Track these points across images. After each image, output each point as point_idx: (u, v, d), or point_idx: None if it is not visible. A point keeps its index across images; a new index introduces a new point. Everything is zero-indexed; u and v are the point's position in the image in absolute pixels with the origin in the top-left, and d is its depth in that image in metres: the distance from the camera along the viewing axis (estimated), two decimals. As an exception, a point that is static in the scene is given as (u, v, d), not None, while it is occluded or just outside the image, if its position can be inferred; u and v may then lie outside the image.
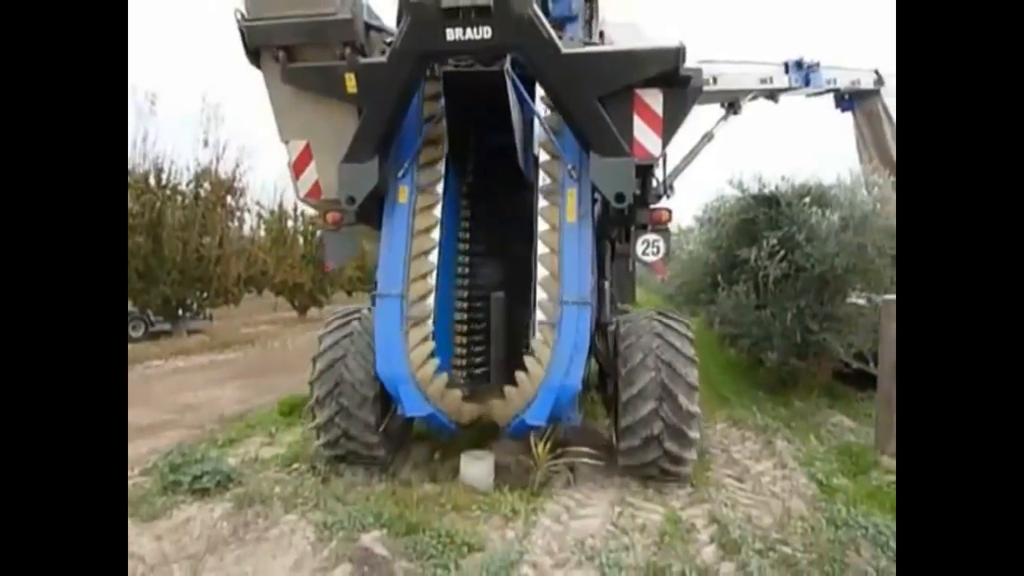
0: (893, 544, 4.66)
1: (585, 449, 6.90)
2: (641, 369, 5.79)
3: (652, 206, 6.35)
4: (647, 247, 6.13)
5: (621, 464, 6.07)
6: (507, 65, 5.74)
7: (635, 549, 4.76)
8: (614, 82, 5.43)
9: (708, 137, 7.88)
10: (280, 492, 5.73)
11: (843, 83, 9.53)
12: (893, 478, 6.17)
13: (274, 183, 23.93)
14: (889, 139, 9.66)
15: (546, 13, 6.18)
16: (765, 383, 9.99)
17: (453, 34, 5.02)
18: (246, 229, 22.01)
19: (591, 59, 5.45)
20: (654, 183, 6.46)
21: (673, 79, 5.44)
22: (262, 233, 23.46)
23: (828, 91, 9.48)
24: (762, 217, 9.80)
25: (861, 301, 9.41)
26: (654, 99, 5.56)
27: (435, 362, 5.85)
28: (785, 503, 5.74)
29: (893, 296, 7.01)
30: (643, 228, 6.18)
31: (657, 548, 4.81)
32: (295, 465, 6.47)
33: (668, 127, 5.61)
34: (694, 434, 5.76)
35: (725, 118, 8.08)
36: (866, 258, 8.69)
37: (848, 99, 10.04)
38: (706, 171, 8.62)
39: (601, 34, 6.98)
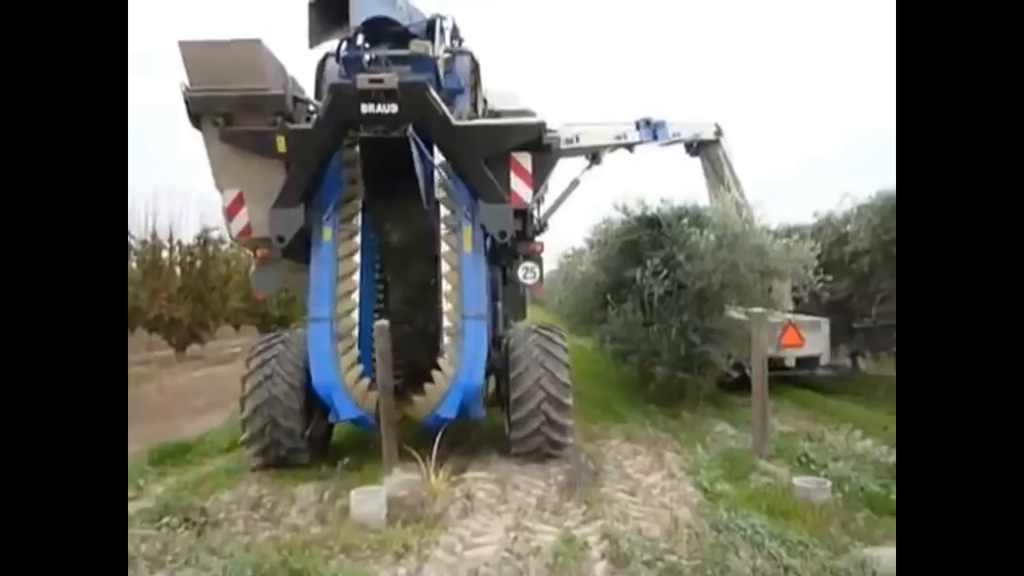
0: (768, 543, 4.96)
1: (482, 475, 7.12)
2: (526, 373, 7.22)
3: (537, 239, 8.34)
4: (526, 272, 8.03)
5: (513, 452, 7.43)
6: (410, 131, 6.85)
7: (529, 574, 4.84)
8: (493, 148, 7.25)
9: (574, 183, 9.78)
10: (146, 551, 5.28)
11: (687, 135, 11.69)
12: (769, 479, 6.59)
13: (143, 207, 20.88)
14: (729, 179, 11.78)
15: (440, 86, 7.51)
16: (656, 397, 10.39)
17: (367, 108, 6.47)
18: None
19: (475, 130, 7.35)
20: (534, 221, 8.25)
21: (538, 145, 7.34)
22: (133, 265, 20.82)
23: (674, 142, 11.44)
24: (645, 238, 10.27)
25: (737, 315, 9.97)
26: (525, 160, 7.40)
27: (360, 369, 7.21)
28: (673, 512, 5.96)
29: (761, 309, 7.68)
30: (524, 257, 8.02)
31: (551, 570, 4.90)
32: (165, 519, 5.96)
33: (537, 180, 7.52)
34: (568, 422, 7.35)
35: (589, 167, 10.04)
36: (739, 274, 9.24)
37: (696, 147, 12.22)
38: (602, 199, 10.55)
39: (485, 100, 8.59)
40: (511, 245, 7.66)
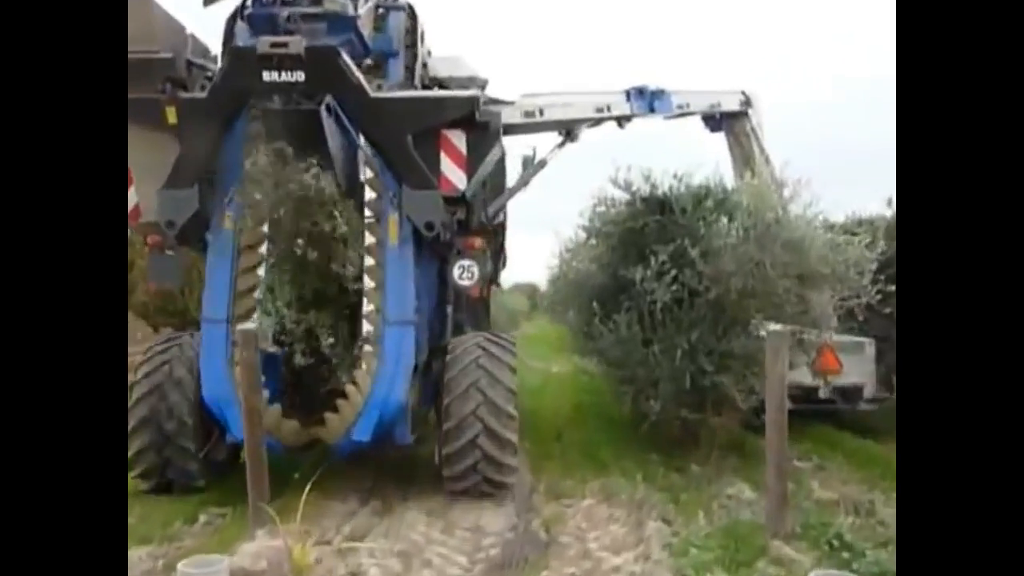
0: None
1: (383, 544, 5.32)
2: (462, 400, 6.21)
3: (494, 229, 7.60)
4: (463, 272, 6.81)
5: (447, 489, 6.41)
6: (328, 101, 5.97)
7: None
8: (419, 123, 6.33)
9: (540, 164, 8.00)
10: None
11: (698, 107, 9.94)
12: (780, 572, 4.36)
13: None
14: (758, 158, 9.86)
15: (366, 48, 6.64)
16: (659, 442, 7.83)
17: (269, 76, 5.71)
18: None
19: (397, 103, 6.40)
20: (480, 211, 7.01)
21: (472, 121, 6.35)
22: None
23: (682, 115, 9.74)
24: (652, 226, 7.89)
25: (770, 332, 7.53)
26: (459, 139, 6.43)
27: (263, 380, 5.87)
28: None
29: (780, 327, 5.47)
30: (459, 254, 6.83)
31: None
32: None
33: (473, 163, 6.48)
34: (511, 460, 6.30)
35: (561, 145, 8.39)
36: (766, 278, 6.78)
37: (718, 120, 10.51)
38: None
39: (425, 65, 7.45)
40: (446, 239, 6.64)
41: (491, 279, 8.87)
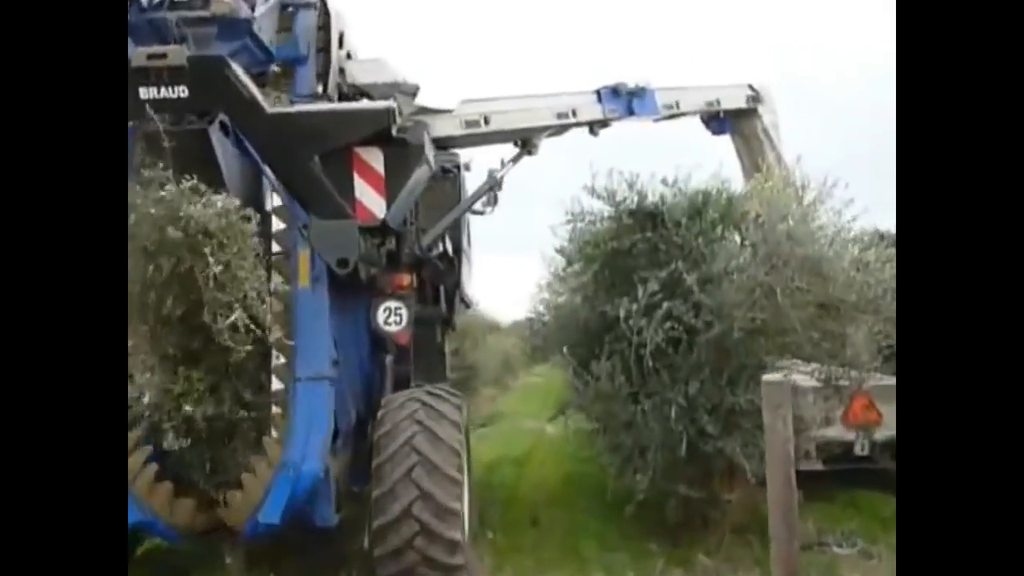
0: None
1: None
2: (394, 460, 5.25)
3: (443, 262, 6.90)
4: (388, 315, 6.00)
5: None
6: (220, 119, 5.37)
7: None
8: (325, 142, 5.39)
9: (490, 185, 6.90)
10: None
11: (692, 106, 8.29)
12: None
13: None
14: (773, 163, 7.74)
15: (268, 55, 5.79)
16: (658, 525, 6.10)
17: (147, 92, 4.92)
18: None
19: (298, 118, 5.50)
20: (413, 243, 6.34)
21: (389, 137, 5.44)
22: None
23: (673, 116, 8.13)
24: (641, 246, 6.39)
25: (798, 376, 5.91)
26: (375, 158, 5.50)
27: (147, 450, 5.10)
28: None
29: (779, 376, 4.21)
30: (386, 296, 6.03)
31: None
32: None
33: (393, 186, 5.51)
34: (456, 535, 5.15)
35: (515, 160, 6.94)
36: (779, 311, 5.17)
37: (720, 121, 8.77)
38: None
39: (342, 70, 6.46)
40: (368, 276, 5.75)
41: (445, 321, 7.56)
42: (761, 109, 8.56)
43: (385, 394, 6.07)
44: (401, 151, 5.49)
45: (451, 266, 7.30)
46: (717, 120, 8.72)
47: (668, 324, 5.76)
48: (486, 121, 6.58)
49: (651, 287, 5.88)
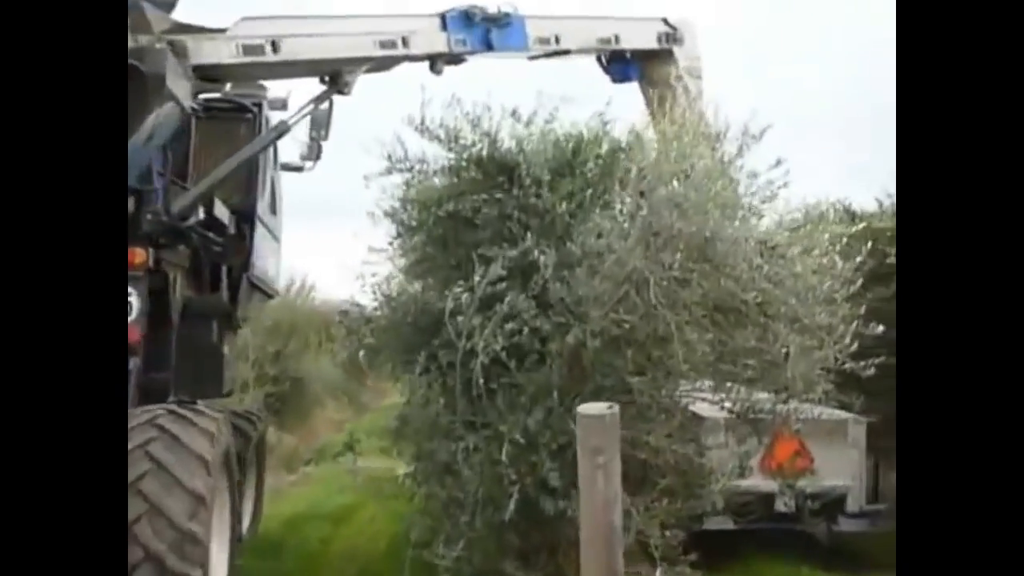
0: None
1: None
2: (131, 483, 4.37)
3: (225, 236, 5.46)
4: None
5: None
6: None
7: None
8: None
9: (279, 132, 5.65)
10: None
11: (579, 42, 6.59)
12: None
13: None
14: (697, 116, 5.82)
15: None
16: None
17: None
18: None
19: None
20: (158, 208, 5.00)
21: None
22: None
23: (552, 55, 6.51)
24: (487, 212, 4.70)
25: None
26: None
27: None
28: None
29: (601, 407, 2.42)
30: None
31: None
32: None
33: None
34: (195, 571, 4.04)
35: (319, 100, 5.54)
36: (649, 313, 3.55)
37: (625, 64, 6.99)
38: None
39: None
40: None
41: (227, 314, 5.87)
42: (678, 51, 6.90)
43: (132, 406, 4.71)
44: (136, 84, 4.13)
45: (237, 240, 5.63)
46: (621, 63, 6.99)
47: (510, 326, 4.10)
48: (274, 47, 5.09)
49: (494, 271, 4.22)
